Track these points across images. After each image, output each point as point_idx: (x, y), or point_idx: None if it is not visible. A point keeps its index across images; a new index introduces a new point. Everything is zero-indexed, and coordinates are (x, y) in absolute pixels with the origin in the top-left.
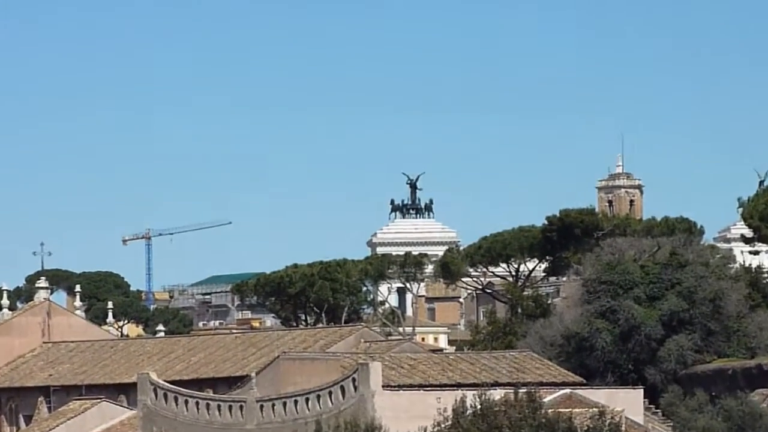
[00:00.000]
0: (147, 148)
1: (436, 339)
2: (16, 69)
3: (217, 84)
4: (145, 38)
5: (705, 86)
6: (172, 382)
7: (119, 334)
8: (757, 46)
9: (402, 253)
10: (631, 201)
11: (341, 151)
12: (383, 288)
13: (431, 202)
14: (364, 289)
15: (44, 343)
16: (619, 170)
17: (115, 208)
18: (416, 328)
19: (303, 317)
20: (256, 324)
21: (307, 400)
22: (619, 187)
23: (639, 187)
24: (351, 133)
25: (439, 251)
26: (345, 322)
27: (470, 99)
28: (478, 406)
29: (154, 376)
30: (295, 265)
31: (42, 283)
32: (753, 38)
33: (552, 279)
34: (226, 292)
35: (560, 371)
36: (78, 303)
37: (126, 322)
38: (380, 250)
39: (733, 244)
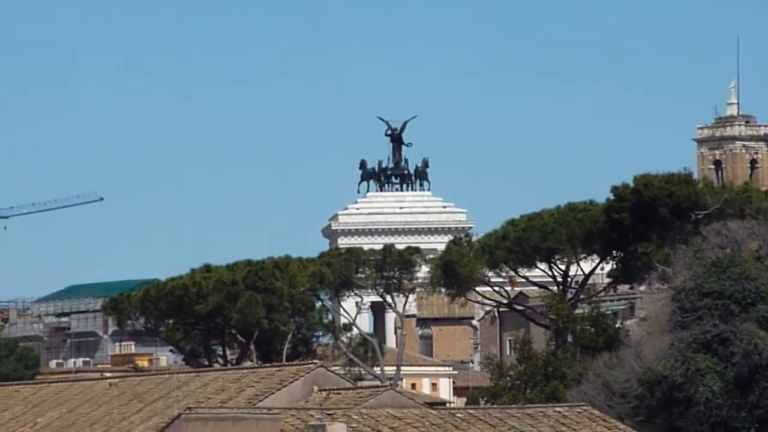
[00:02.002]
0: None
1: (434, 385)
2: None
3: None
4: None
5: None
6: None
7: None
8: None
9: (379, 245)
10: (753, 161)
11: (279, 85)
12: (349, 303)
13: (426, 164)
14: (319, 304)
15: None
16: (732, 111)
17: None
18: (403, 367)
19: (220, 351)
20: (143, 363)
21: None
22: (732, 138)
23: (765, 139)
24: (295, 59)
25: (440, 243)
26: (288, 359)
27: (484, 9)
28: None
29: None
30: (207, 268)
31: None
32: None
33: (623, 289)
34: (94, 311)
35: None
36: None
37: None
38: (344, 241)
39: None
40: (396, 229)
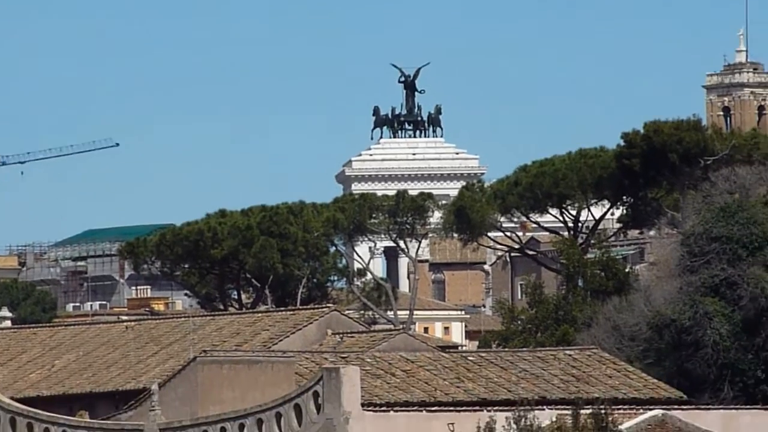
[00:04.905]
0: None
1: (446, 329)
2: None
3: None
4: None
5: None
6: (23, 401)
7: None
8: None
9: (392, 191)
10: (761, 108)
11: (292, 31)
12: (363, 248)
13: (438, 111)
14: (333, 249)
15: None
16: (740, 59)
17: None
18: (415, 311)
19: (235, 295)
20: (159, 306)
21: (241, 427)
22: (741, 85)
23: None
24: (308, 5)
25: (452, 189)
26: (302, 303)
27: None
28: None
29: None
30: (222, 213)
31: None
32: None
33: (633, 234)
34: (110, 255)
35: (647, 381)
36: None
37: None
38: (357, 187)
39: None
40: (409, 175)
